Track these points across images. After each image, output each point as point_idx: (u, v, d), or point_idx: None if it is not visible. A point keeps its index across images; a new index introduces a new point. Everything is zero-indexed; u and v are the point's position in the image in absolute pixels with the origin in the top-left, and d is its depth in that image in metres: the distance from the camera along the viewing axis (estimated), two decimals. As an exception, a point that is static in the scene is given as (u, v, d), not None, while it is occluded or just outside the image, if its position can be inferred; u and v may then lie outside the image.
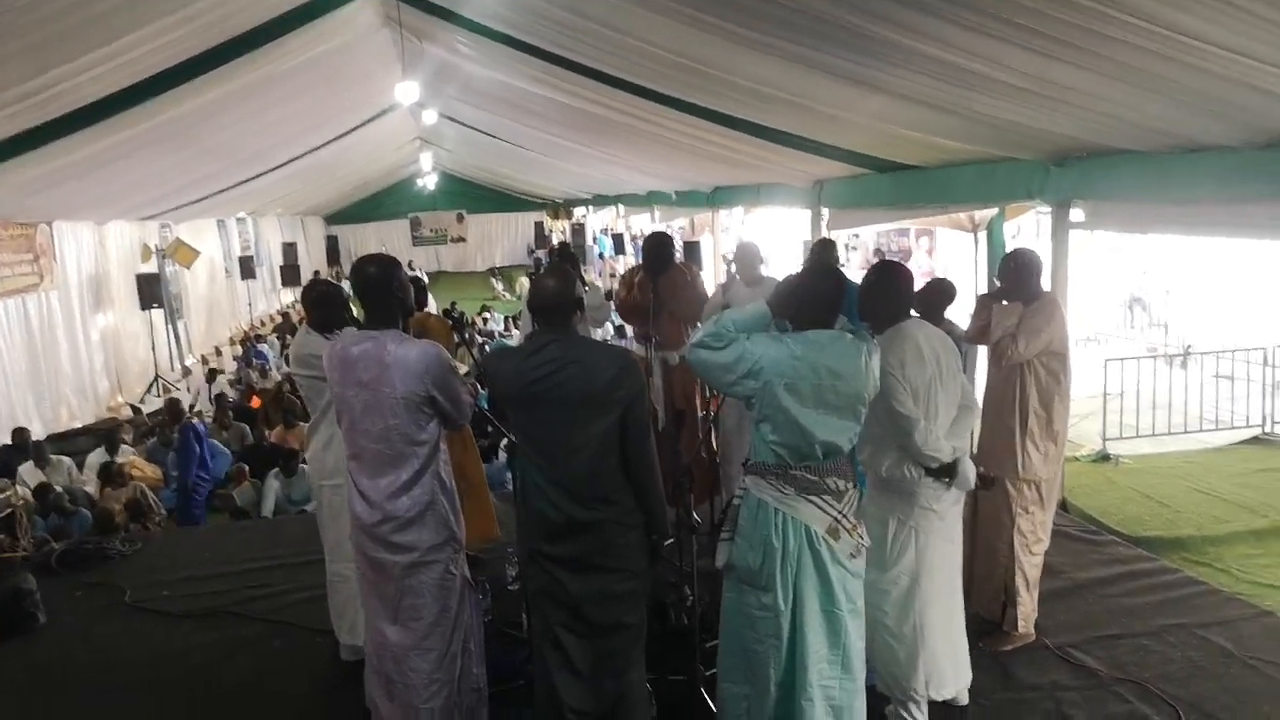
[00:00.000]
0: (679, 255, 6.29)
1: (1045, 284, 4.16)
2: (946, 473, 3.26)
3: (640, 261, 5.60)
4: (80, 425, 10.24)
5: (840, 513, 2.84)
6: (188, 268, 13.86)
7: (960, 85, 4.20)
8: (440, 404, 3.08)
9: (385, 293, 3.12)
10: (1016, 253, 4.16)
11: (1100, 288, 13.84)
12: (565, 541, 2.84)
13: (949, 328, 4.16)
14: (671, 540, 4.22)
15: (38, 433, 9.00)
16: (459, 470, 4.81)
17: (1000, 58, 3.65)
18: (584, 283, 5.70)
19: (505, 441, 5.76)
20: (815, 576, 2.81)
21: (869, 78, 4.56)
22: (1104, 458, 7.59)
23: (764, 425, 2.84)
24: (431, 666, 3.19)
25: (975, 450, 4.35)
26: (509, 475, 7.22)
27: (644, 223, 17.95)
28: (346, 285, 4.60)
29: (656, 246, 5.43)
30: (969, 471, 3.30)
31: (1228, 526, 6.08)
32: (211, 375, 12.48)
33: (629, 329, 5.70)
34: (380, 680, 3.26)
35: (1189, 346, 10.88)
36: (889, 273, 3.45)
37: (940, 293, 4.35)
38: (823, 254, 5.10)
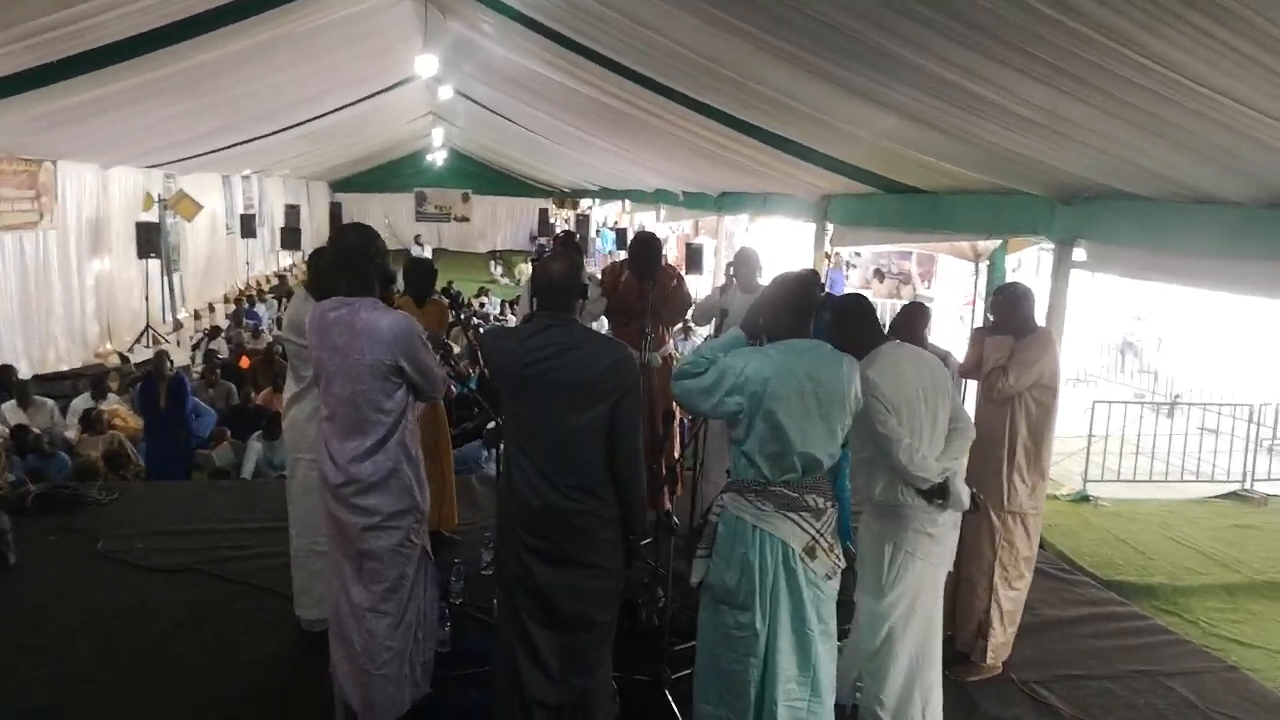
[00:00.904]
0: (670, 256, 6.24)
1: (1040, 319, 4.18)
2: (938, 494, 3.24)
3: (626, 259, 5.50)
4: (67, 369, 10.17)
5: (818, 531, 2.84)
6: (189, 220, 13.78)
7: (972, 112, 4.20)
8: (409, 374, 3.15)
9: (363, 260, 3.18)
10: (1008, 286, 4.20)
11: (1094, 330, 13.90)
12: (542, 530, 2.83)
13: (932, 349, 4.17)
14: (649, 540, 4.22)
15: (24, 372, 8.94)
16: (431, 450, 4.83)
17: (1015, 88, 3.65)
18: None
19: (491, 425, 5.75)
20: (788, 597, 2.81)
21: (885, 96, 4.56)
22: (1083, 498, 7.63)
23: (748, 440, 2.83)
24: (385, 631, 3.25)
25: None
26: (482, 455, 7.25)
27: (649, 221, 17.94)
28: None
29: (645, 247, 5.27)
30: (962, 492, 3.28)
31: (1200, 578, 6.12)
32: (214, 332, 12.41)
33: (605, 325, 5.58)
34: (340, 644, 3.31)
35: (1177, 396, 10.95)
36: (853, 304, 3.47)
37: (916, 315, 4.37)
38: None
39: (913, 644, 3.30)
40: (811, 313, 2.94)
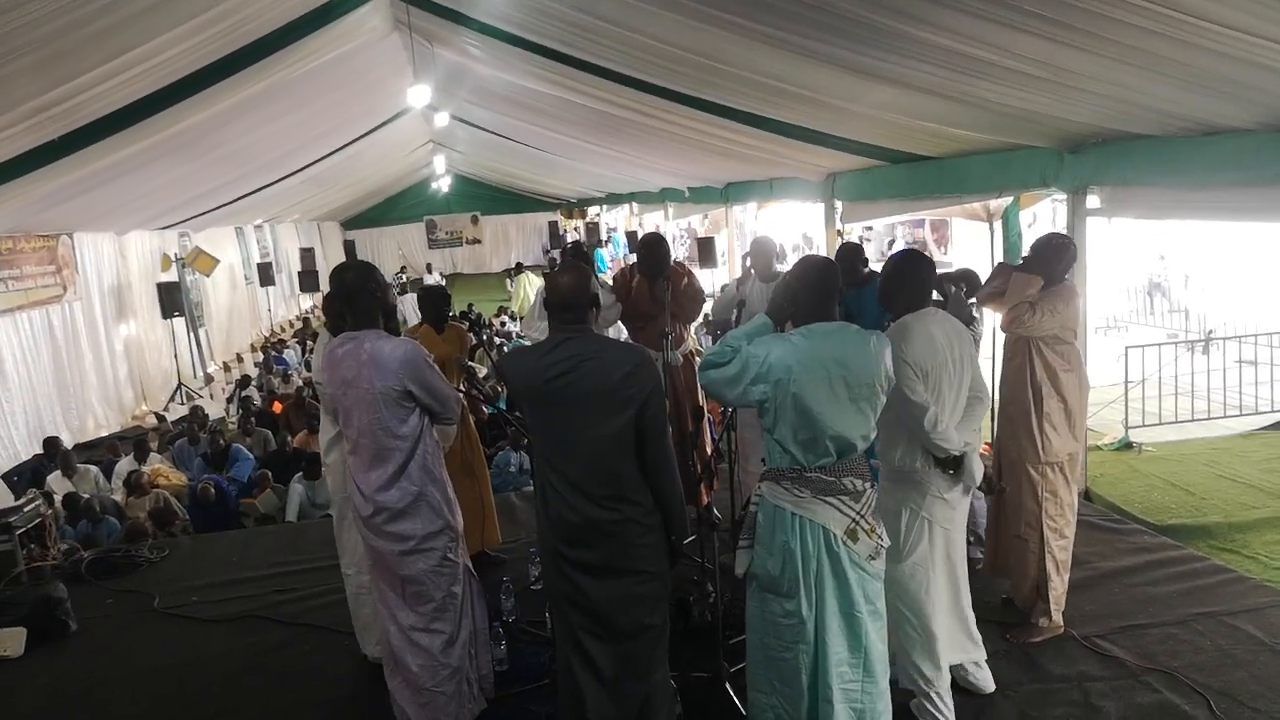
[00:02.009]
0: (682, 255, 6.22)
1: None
2: (953, 465, 3.27)
3: (636, 263, 5.48)
4: (107, 434, 10.35)
5: (858, 513, 2.81)
6: (207, 275, 13.98)
7: (969, 74, 4.17)
8: (419, 397, 3.22)
9: (362, 294, 3.28)
10: (1054, 236, 4.13)
11: (1119, 275, 13.70)
12: (584, 545, 2.83)
13: (966, 312, 4.13)
14: (693, 538, 4.21)
15: (65, 442, 9.10)
16: (467, 470, 4.86)
17: (1008, 45, 3.62)
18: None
19: (525, 443, 5.78)
20: (833, 580, 2.79)
21: (875, 69, 4.53)
22: (1127, 446, 7.52)
23: (777, 428, 2.82)
24: (441, 649, 3.32)
25: (994, 441, 4.33)
26: (511, 458, 7.27)
27: (657, 220, 17.95)
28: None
29: (653, 249, 5.22)
30: (975, 468, 3.31)
31: (1254, 513, 6.01)
32: (244, 382, 12.57)
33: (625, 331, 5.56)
34: (396, 669, 3.37)
35: (1210, 331, 10.76)
36: (910, 260, 3.46)
37: (966, 279, 4.33)
38: (846, 260, 5.01)
39: (942, 607, 3.35)
40: (835, 295, 2.91)
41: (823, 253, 8.45)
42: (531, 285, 18.51)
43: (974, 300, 4.30)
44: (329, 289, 3.43)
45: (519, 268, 19.85)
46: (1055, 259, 3.98)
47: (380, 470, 3.22)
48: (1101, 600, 4.47)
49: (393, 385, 3.16)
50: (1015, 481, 4.06)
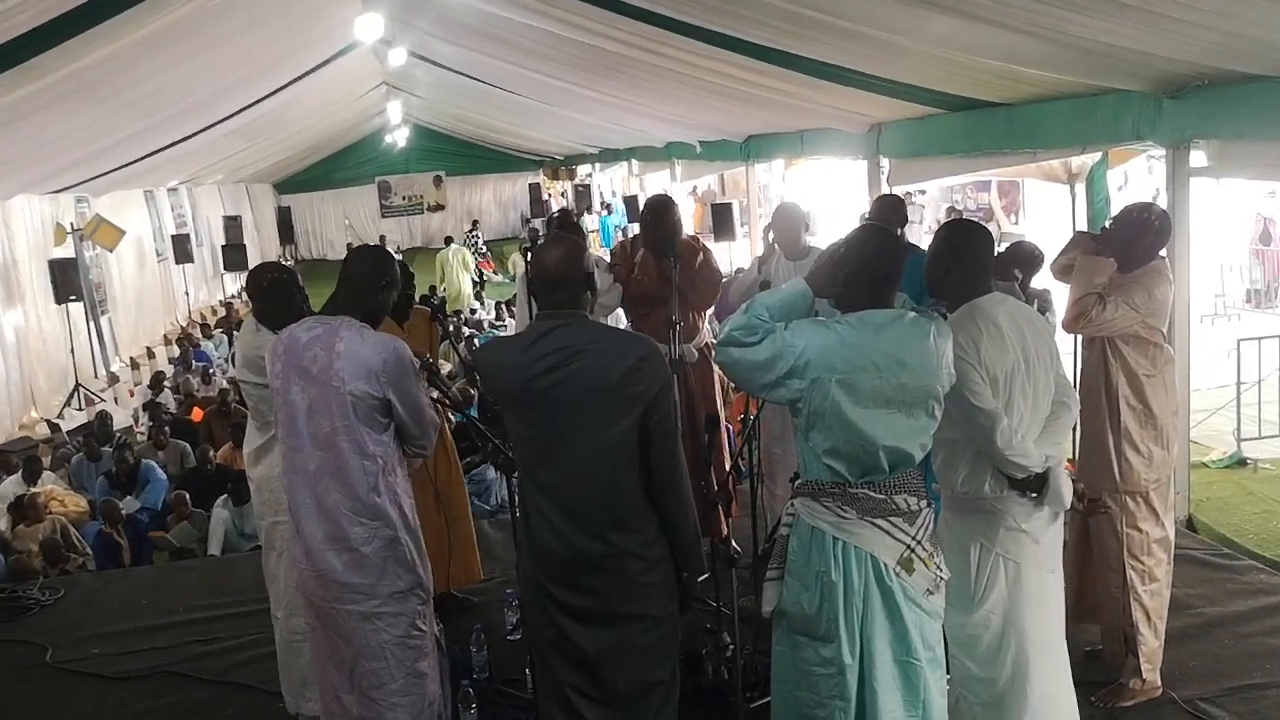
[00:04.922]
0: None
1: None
2: (1034, 486, 3.19)
3: (639, 234, 5.45)
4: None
5: (914, 539, 2.80)
6: (111, 251, 13.95)
7: (1046, 1, 4.14)
8: (398, 412, 3.13)
9: (368, 284, 3.23)
10: (1148, 207, 4.07)
11: (1230, 251, 13.66)
12: (575, 584, 2.82)
13: (1039, 300, 4.11)
14: (706, 576, 4.20)
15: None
16: (442, 496, 4.83)
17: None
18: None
19: (501, 459, 5.80)
20: (886, 620, 2.77)
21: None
22: (1239, 462, 7.50)
23: (814, 434, 2.80)
24: None
25: (1075, 458, 4.32)
26: (488, 479, 7.25)
27: (663, 182, 17.93)
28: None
29: (660, 216, 5.17)
30: (1063, 487, 3.23)
31: (1398, 546, 6.00)
32: (156, 381, 12.54)
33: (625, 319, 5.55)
34: None
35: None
36: (963, 234, 3.41)
37: (1022, 259, 4.30)
38: (884, 214, 5.02)
39: (1010, 666, 3.23)
40: (896, 280, 2.88)
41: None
42: (466, 266, 18.51)
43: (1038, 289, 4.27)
44: (344, 269, 3.33)
45: (447, 241, 19.83)
46: (1137, 237, 3.92)
47: (340, 494, 3.12)
48: (1208, 654, 4.45)
49: (369, 390, 3.06)
50: (1094, 511, 4.05)
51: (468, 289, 18.34)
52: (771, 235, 5.31)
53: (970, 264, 3.27)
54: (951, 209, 16.61)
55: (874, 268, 2.84)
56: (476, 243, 24.53)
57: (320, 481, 3.14)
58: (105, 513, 7.51)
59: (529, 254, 5.43)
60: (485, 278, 21.79)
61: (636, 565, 2.81)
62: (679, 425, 2.94)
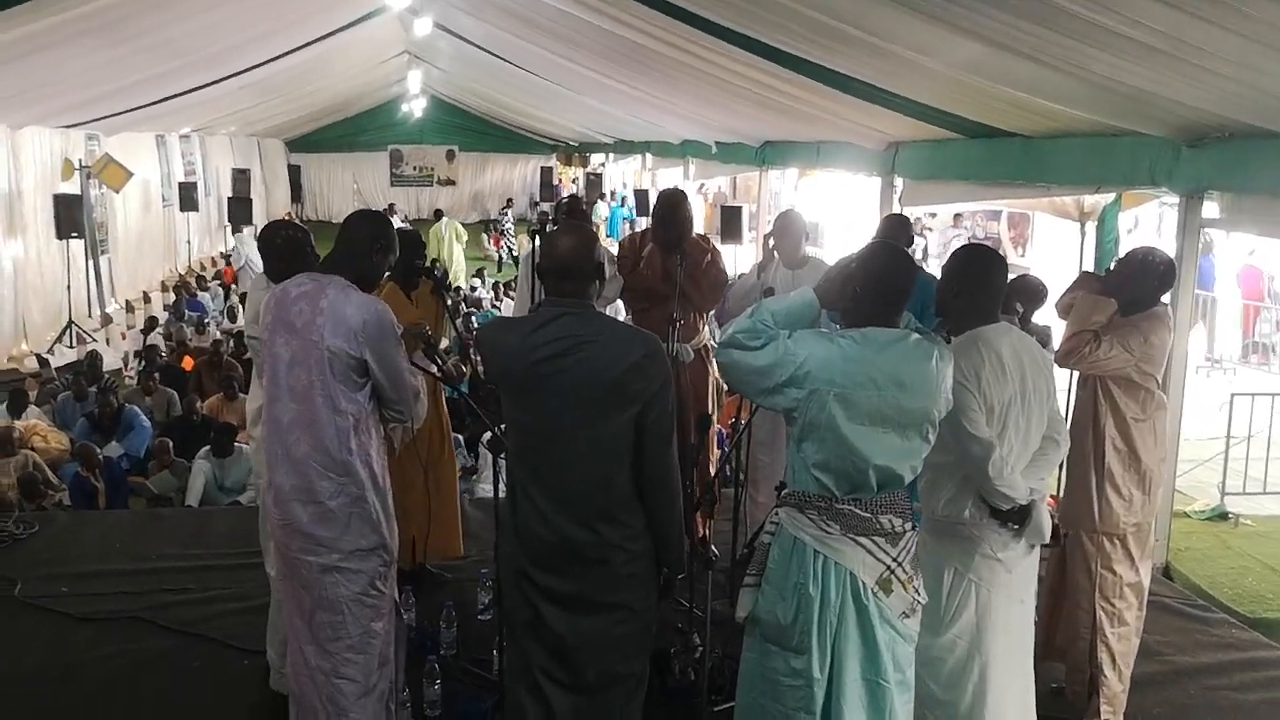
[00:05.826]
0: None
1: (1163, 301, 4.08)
2: (1017, 518, 3.21)
3: (649, 228, 5.43)
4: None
5: (895, 560, 2.80)
6: (117, 191, 13.91)
7: (1076, 37, 4.14)
8: (374, 373, 3.17)
9: (364, 247, 3.27)
10: (1152, 251, 4.06)
11: (1229, 304, 13.69)
12: (557, 570, 2.83)
13: (1039, 336, 4.12)
14: (683, 575, 4.20)
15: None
16: (431, 466, 4.83)
17: (1128, 9, 3.60)
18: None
19: (488, 437, 5.79)
20: (858, 638, 2.77)
21: (964, 19, 4.50)
22: (1221, 515, 7.51)
23: (806, 445, 2.80)
24: (351, 701, 3.25)
25: (1058, 494, 4.32)
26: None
27: (675, 179, 17.91)
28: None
29: (673, 209, 5.17)
30: (1044, 521, 3.25)
31: (1370, 612, 6.02)
32: (150, 326, 12.50)
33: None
34: (302, 710, 3.31)
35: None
36: (981, 261, 3.40)
37: (1025, 293, 4.30)
38: (891, 233, 5.03)
39: (972, 693, 3.24)
40: (904, 300, 2.88)
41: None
42: (459, 237, 18.51)
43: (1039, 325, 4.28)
44: (342, 231, 3.35)
45: (438, 215, 19.85)
46: (1138, 279, 3.93)
47: (310, 447, 3.16)
48: (1173, 703, 4.46)
49: (347, 348, 3.10)
50: (1065, 550, 4.04)
51: (460, 262, 18.34)
52: (772, 242, 5.30)
53: (981, 291, 3.28)
54: (958, 237, 16.65)
55: (883, 285, 2.84)
56: (505, 222, 24.56)
57: (293, 433, 3.19)
58: (82, 456, 7.47)
59: (536, 237, 5.44)
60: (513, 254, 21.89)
61: (620, 557, 2.82)
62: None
